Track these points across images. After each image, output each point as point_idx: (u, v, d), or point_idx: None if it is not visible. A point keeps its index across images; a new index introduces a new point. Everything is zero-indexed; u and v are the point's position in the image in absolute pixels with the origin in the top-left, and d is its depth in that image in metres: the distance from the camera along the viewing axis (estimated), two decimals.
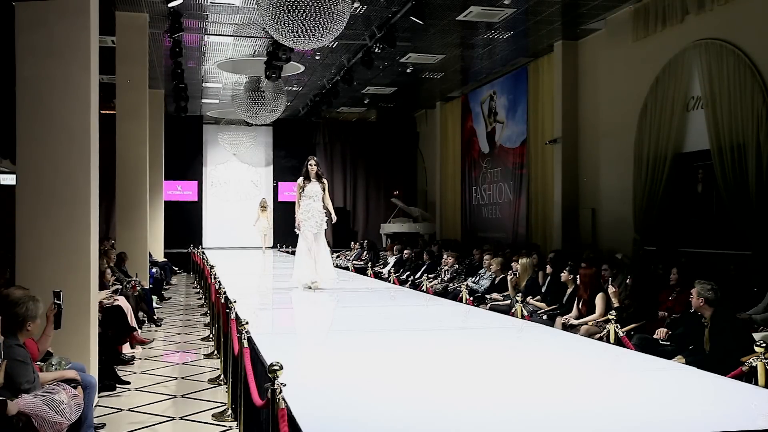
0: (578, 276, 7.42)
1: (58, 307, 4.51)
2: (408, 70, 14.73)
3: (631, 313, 6.88)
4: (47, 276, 5.04)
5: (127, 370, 6.92)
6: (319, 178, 8.38)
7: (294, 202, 8.68)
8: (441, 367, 4.30)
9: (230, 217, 21.39)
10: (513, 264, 9.17)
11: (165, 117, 17.51)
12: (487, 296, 9.28)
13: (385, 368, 4.28)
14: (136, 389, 6.26)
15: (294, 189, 8.13)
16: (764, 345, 3.86)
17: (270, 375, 2.98)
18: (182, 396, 6.08)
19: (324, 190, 8.38)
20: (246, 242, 20.69)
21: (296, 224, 8.36)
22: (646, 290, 7.31)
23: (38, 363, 4.36)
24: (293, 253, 20.36)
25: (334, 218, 8.57)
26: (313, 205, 8.28)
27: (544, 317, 7.76)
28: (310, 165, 8.33)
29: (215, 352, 7.71)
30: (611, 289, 7.08)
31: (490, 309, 8.16)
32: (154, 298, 11.31)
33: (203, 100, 18.65)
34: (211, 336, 8.69)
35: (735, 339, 5.14)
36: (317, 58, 13.78)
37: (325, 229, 8.49)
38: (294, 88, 16.72)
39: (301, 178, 8.39)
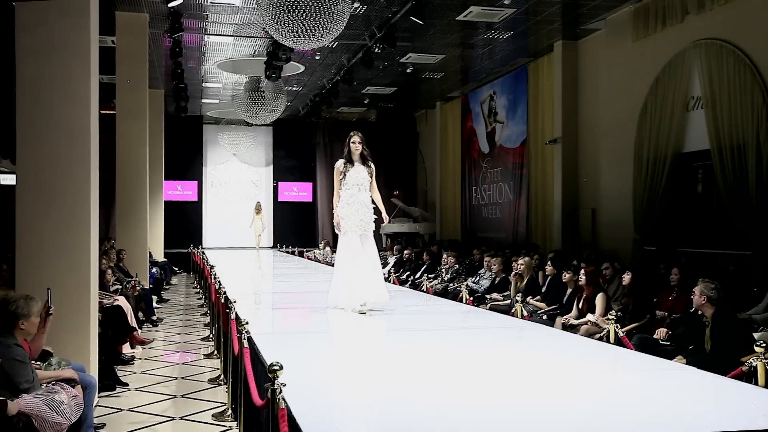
0: (580, 275, 7.39)
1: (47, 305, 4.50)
2: (408, 70, 14.73)
3: (631, 312, 6.88)
4: (47, 276, 5.04)
5: (127, 370, 6.92)
6: (364, 160, 6.40)
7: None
8: (441, 367, 4.30)
9: (230, 217, 21.40)
10: (514, 264, 9.17)
11: (165, 117, 17.51)
12: (487, 296, 9.28)
13: (385, 368, 4.29)
14: (136, 389, 6.25)
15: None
16: (764, 345, 3.86)
17: (270, 375, 2.98)
18: (182, 396, 6.08)
19: (372, 176, 6.40)
20: (246, 242, 20.72)
21: (335, 222, 6.38)
22: (646, 290, 7.31)
23: (37, 363, 4.36)
24: (293, 253, 20.39)
25: (386, 218, 6.64)
26: (359, 197, 6.29)
27: (544, 317, 7.76)
28: (353, 143, 6.36)
29: (215, 352, 7.71)
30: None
31: (490, 309, 8.16)
32: (154, 297, 11.31)
33: (203, 100, 18.65)
34: (211, 336, 8.69)
35: (735, 339, 5.14)
36: (317, 58, 13.78)
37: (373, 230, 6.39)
38: (294, 88, 16.72)
39: (341, 161, 6.39)
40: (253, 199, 21.00)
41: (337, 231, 6.40)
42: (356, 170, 6.32)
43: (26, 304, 4.15)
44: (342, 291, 6.20)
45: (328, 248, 18.51)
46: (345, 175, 6.32)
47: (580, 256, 9.58)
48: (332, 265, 15.54)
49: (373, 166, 6.43)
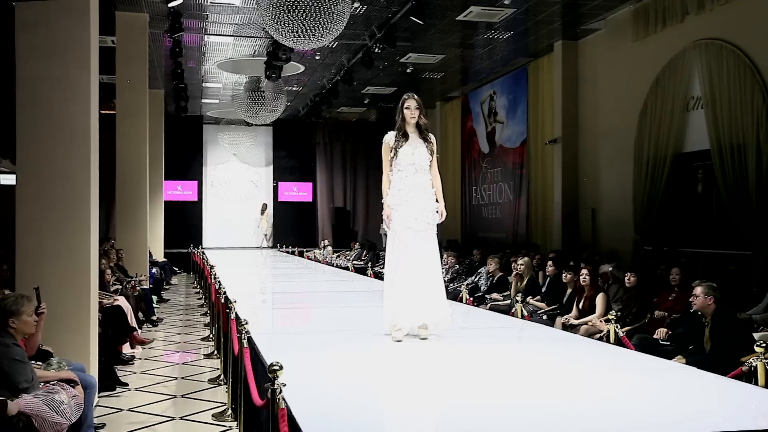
0: (584, 275, 7.36)
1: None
2: (408, 70, 14.72)
3: (633, 313, 6.88)
4: (47, 276, 5.04)
5: (127, 370, 6.92)
6: (422, 133, 4.89)
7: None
8: (441, 367, 4.30)
9: (230, 217, 21.43)
10: (514, 264, 9.16)
11: (165, 117, 17.50)
12: (487, 296, 9.28)
13: (385, 368, 4.29)
14: (136, 389, 6.25)
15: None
16: (764, 345, 3.86)
17: (270, 375, 2.98)
18: (182, 396, 6.08)
19: (433, 154, 4.92)
20: (246, 242, 20.77)
21: (384, 216, 4.90)
22: (646, 290, 7.31)
23: (37, 363, 4.36)
24: (293, 253, 20.37)
25: (443, 213, 4.96)
26: (417, 181, 4.85)
27: (544, 317, 7.76)
28: (407, 109, 4.81)
29: (215, 352, 7.71)
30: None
31: (490, 309, 8.16)
32: (154, 297, 11.31)
33: (203, 100, 18.64)
34: (211, 336, 8.69)
35: (735, 339, 5.14)
36: (317, 58, 13.78)
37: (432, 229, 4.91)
38: (294, 88, 16.72)
39: (392, 134, 4.87)
40: (253, 199, 21.17)
41: (386, 227, 4.95)
42: (411, 145, 4.83)
43: (15, 303, 4.14)
44: (393, 310, 4.81)
45: (329, 248, 18.51)
46: (396, 152, 4.81)
47: (580, 256, 9.58)
48: (332, 265, 15.56)
49: (434, 140, 4.95)
